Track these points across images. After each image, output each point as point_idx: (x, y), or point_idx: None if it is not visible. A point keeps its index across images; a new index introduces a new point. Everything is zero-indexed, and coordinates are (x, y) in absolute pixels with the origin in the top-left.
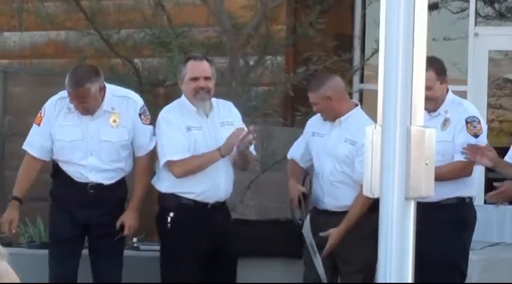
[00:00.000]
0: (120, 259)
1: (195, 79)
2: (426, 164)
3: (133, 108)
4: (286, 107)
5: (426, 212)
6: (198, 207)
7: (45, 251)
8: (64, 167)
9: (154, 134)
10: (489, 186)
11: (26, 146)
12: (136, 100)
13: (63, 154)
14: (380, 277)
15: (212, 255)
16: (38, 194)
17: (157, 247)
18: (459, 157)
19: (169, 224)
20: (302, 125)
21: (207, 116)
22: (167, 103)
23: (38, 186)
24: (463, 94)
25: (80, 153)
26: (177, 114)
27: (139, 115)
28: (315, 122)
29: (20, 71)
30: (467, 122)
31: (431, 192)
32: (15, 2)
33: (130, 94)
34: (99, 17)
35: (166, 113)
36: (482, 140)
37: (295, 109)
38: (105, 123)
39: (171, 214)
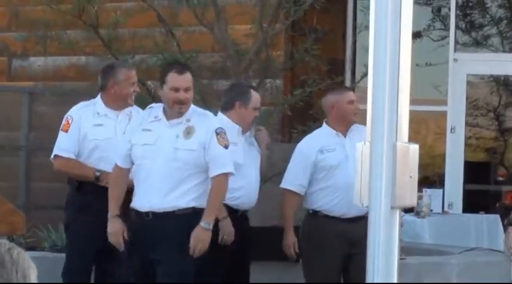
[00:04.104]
0: None
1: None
2: (410, 177)
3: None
4: (284, 125)
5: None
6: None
7: None
8: (99, 165)
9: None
10: (468, 196)
11: (56, 151)
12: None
13: (96, 154)
14: (368, 277)
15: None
16: (60, 203)
17: None
18: (216, 172)
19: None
20: (298, 141)
21: None
22: None
23: (59, 196)
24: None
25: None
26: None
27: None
28: None
29: (44, 91)
30: (217, 133)
31: (415, 201)
32: (40, 29)
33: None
34: (115, 43)
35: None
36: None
37: (292, 127)
38: (125, 122)
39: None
